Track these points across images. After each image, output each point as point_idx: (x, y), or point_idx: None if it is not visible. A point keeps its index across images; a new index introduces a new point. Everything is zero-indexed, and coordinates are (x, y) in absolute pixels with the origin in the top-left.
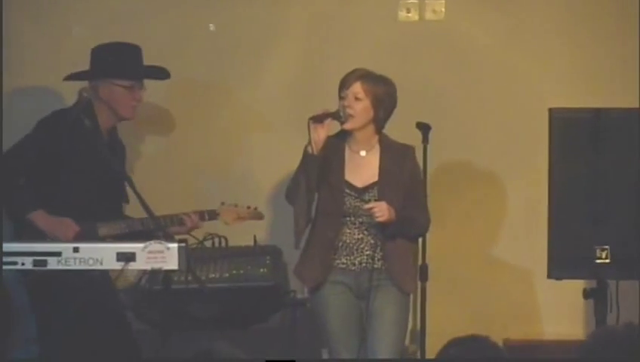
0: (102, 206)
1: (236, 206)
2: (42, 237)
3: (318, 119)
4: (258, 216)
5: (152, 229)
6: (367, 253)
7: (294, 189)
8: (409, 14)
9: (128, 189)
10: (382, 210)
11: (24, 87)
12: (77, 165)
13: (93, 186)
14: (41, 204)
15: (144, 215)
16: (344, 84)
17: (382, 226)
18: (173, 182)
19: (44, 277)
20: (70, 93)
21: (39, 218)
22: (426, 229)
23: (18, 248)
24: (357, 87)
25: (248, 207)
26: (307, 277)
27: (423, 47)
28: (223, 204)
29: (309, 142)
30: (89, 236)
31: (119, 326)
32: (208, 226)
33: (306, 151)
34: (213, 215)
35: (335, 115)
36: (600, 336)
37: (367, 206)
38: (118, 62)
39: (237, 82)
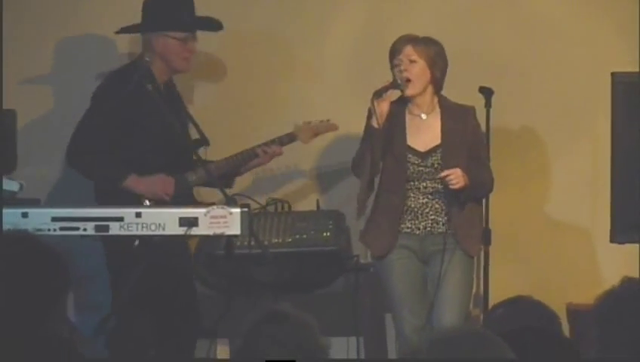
0: (182, 157)
1: (310, 123)
2: (136, 201)
3: (379, 93)
4: (333, 127)
5: (237, 165)
6: (432, 217)
7: (360, 163)
8: None
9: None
10: (457, 177)
11: (83, 41)
12: (147, 124)
13: (167, 141)
14: (126, 169)
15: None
16: (395, 52)
17: (455, 192)
18: (228, 135)
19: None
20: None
21: (133, 183)
22: (491, 189)
23: (80, 214)
24: (409, 50)
25: (321, 121)
26: (375, 244)
27: (486, 11)
28: (297, 125)
29: (373, 117)
30: (183, 187)
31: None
32: (271, 191)
33: (370, 126)
34: (291, 137)
35: (394, 85)
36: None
37: (442, 174)
38: (171, 14)
39: (298, 40)
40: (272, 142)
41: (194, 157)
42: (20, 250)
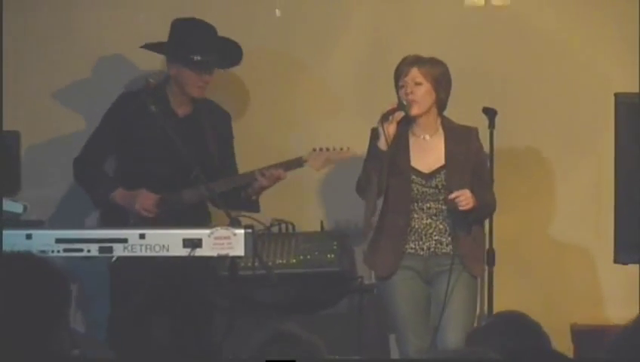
0: (182, 176)
1: (327, 150)
2: (126, 217)
3: (386, 116)
4: (347, 155)
5: (236, 188)
6: (436, 238)
7: (366, 184)
8: None
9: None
10: (467, 198)
11: (90, 64)
12: (151, 144)
13: (169, 160)
14: (122, 184)
15: None
16: (400, 74)
17: (463, 214)
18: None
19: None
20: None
21: (118, 195)
22: (494, 210)
23: (83, 235)
24: (415, 73)
25: (341, 149)
26: (379, 266)
27: (489, 32)
28: (314, 150)
29: (380, 139)
30: (174, 203)
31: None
32: (275, 212)
33: (376, 148)
34: (299, 163)
35: (399, 107)
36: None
37: (452, 196)
38: (190, 47)
39: (303, 64)
40: (278, 165)
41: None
42: (20, 267)
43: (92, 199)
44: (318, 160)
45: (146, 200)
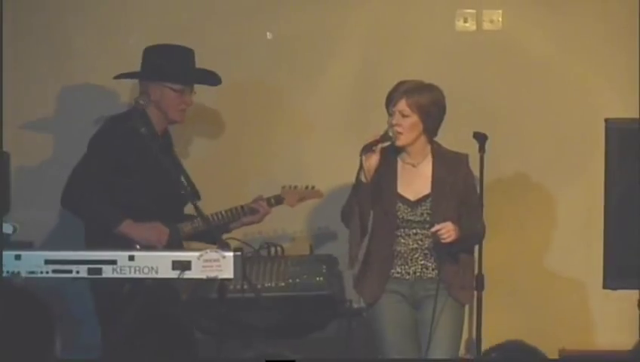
0: (174, 206)
1: (296, 187)
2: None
3: (369, 148)
4: (318, 194)
5: (227, 222)
6: (422, 262)
7: (349, 215)
8: (466, 24)
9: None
10: (448, 231)
11: (79, 87)
12: (141, 170)
13: (161, 189)
14: (122, 213)
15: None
16: (390, 101)
17: (447, 245)
18: (221, 186)
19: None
20: (122, 91)
21: (129, 228)
22: (483, 237)
23: (73, 256)
24: (402, 105)
25: (306, 187)
26: (366, 292)
27: (480, 57)
28: (283, 187)
29: (362, 170)
30: (175, 237)
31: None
32: (264, 235)
33: (358, 180)
34: (279, 200)
35: (385, 138)
36: None
37: (433, 229)
38: (170, 65)
39: (292, 89)
40: (262, 200)
41: (191, 208)
42: (6, 302)
43: (97, 229)
44: (292, 197)
45: (163, 234)
